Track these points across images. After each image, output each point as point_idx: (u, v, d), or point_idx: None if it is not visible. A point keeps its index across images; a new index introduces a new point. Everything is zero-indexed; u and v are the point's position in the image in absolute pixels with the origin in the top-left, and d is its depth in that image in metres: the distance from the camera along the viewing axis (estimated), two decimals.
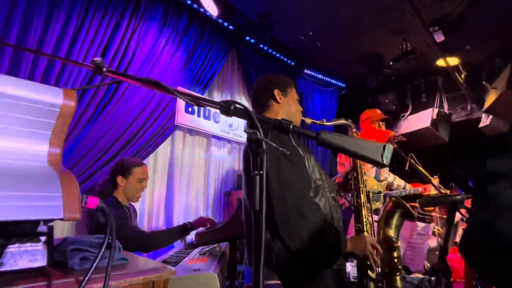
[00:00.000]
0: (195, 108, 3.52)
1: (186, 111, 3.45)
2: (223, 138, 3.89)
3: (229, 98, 4.07)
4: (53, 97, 0.47)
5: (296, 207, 1.13)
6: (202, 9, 3.50)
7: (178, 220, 3.24)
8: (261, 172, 0.70)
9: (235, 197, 3.74)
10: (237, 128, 3.99)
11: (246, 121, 0.76)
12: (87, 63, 0.84)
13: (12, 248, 0.58)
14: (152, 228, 3.08)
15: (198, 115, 3.60)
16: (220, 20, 3.75)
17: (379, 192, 2.77)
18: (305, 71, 5.06)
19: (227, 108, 0.74)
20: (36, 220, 0.40)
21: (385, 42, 4.38)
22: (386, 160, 0.65)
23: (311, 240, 1.13)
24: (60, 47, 2.47)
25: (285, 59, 4.72)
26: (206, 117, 3.68)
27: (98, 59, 0.77)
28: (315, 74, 5.20)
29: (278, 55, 4.59)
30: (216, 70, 3.73)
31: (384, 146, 0.65)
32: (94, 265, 0.53)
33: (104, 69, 0.77)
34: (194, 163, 3.58)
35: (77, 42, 2.57)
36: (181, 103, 3.36)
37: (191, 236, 2.26)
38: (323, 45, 4.47)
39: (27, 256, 0.62)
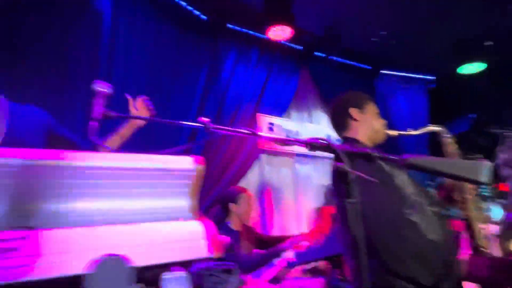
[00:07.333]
0: (276, 130, 3.70)
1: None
2: (307, 155, 3.95)
3: (306, 117, 4.15)
4: (186, 164, 0.64)
5: (392, 229, 1.10)
6: (270, 38, 3.73)
7: None
8: (353, 200, 0.75)
9: (327, 213, 3.70)
10: None
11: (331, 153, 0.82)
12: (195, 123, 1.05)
13: (167, 275, 0.77)
14: None
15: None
16: (288, 43, 3.92)
17: None
18: (383, 72, 4.79)
19: (313, 145, 0.83)
20: (189, 260, 0.56)
21: (478, 24, 3.83)
22: (486, 178, 0.62)
23: (414, 262, 1.07)
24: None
25: (360, 65, 4.58)
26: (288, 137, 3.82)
27: (204, 119, 0.97)
28: (396, 73, 4.86)
29: (351, 62, 4.49)
30: (291, 91, 3.88)
31: (481, 165, 0.63)
32: None
33: (210, 126, 0.96)
34: (282, 182, 3.73)
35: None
36: (262, 128, 3.59)
37: (291, 254, 2.35)
38: (400, 42, 4.18)
39: (177, 282, 0.82)
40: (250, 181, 3.50)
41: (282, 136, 3.79)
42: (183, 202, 0.64)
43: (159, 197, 0.62)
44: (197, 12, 3.32)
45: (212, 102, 3.30)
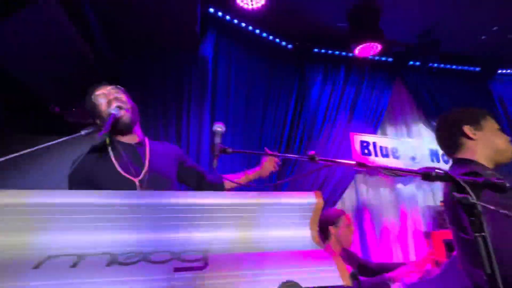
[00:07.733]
0: (371, 149, 3.53)
1: (362, 153, 3.52)
2: None
3: (404, 129, 3.85)
4: (308, 199, 0.74)
5: None
6: (358, 56, 3.67)
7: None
8: (483, 234, 0.69)
9: (439, 239, 3.27)
10: (420, 160, 3.63)
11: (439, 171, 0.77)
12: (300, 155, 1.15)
13: None
14: None
15: (376, 155, 3.57)
16: (376, 58, 3.78)
17: None
18: (500, 71, 4.09)
19: (428, 175, 0.80)
20: (323, 287, 0.62)
21: None
22: None
23: None
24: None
25: (466, 68, 4.03)
26: (385, 155, 3.59)
27: (311, 152, 1.06)
28: None
29: (454, 67, 4.00)
30: (383, 107, 3.68)
31: None
32: None
33: (317, 158, 1.04)
34: (381, 203, 3.49)
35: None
36: (355, 147, 3.48)
37: (400, 285, 2.16)
38: None
39: None
40: (345, 202, 3.40)
41: (378, 154, 3.59)
42: (307, 233, 0.72)
43: (287, 228, 0.72)
44: (283, 43, 3.55)
45: (303, 126, 3.40)
